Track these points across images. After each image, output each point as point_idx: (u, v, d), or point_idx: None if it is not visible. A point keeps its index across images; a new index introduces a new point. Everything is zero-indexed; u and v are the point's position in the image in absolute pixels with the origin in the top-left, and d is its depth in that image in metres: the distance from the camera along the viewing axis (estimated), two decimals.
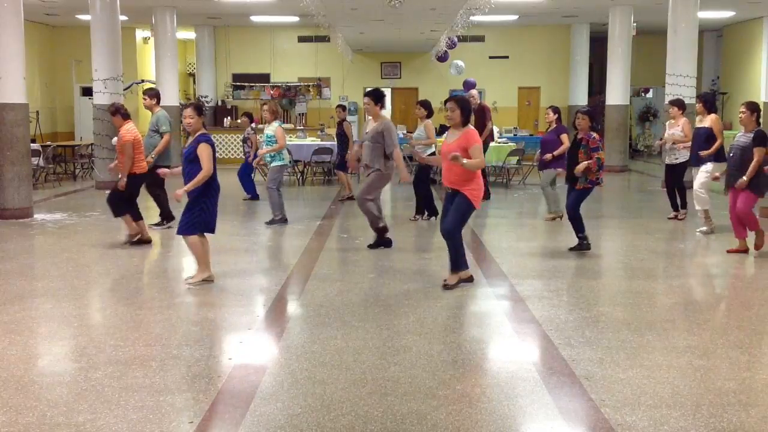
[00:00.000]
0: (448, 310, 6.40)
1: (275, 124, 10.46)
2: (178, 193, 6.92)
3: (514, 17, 21.36)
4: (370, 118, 8.98)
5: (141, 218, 9.12)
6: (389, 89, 25.48)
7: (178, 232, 7.12)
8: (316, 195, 14.42)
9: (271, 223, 10.56)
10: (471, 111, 7.01)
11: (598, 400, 4.39)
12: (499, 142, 16.67)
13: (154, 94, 10.43)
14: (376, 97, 8.79)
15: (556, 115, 10.96)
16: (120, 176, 8.92)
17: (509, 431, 4.04)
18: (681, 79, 14.97)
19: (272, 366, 5.02)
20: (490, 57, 24.45)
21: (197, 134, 7.04)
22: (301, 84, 23.92)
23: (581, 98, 23.11)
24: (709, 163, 9.92)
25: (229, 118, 22.09)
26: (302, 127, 20.63)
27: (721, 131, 10.08)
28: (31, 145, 12.81)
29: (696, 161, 10.06)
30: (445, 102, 7.09)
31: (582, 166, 8.33)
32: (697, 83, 15.68)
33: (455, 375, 4.82)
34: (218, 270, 7.91)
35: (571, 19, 22.00)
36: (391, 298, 6.74)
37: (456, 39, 19.55)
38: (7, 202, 11.31)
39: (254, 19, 21.38)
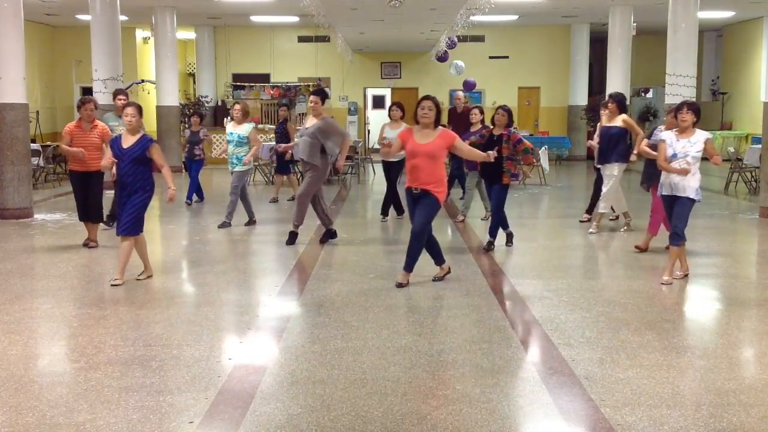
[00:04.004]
0: (448, 310, 6.39)
1: (248, 126, 10.40)
2: (173, 193, 7.20)
3: (514, 17, 21.36)
4: (308, 115, 9.31)
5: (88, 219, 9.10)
6: (389, 89, 25.49)
7: (136, 232, 7.16)
8: None
9: (222, 226, 10.42)
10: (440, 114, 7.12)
11: (598, 400, 4.39)
12: None
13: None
14: (324, 96, 9.23)
15: (482, 116, 10.96)
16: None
17: (509, 431, 4.05)
18: (681, 79, 14.95)
19: (272, 366, 5.02)
20: (490, 57, 24.45)
21: (141, 135, 7.11)
22: (301, 84, 23.92)
23: (581, 98, 23.12)
24: (623, 163, 9.99)
25: (229, 118, 22.10)
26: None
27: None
28: (31, 145, 12.81)
29: (605, 160, 9.93)
30: (421, 100, 7.07)
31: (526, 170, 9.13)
32: (697, 83, 15.66)
33: (455, 375, 4.82)
34: (219, 270, 7.92)
35: (571, 19, 22.00)
36: (391, 298, 6.73)
37: (456, 39, 19.54)
38: (7, 202, 11.31)
39: (254, 19, 21.39)
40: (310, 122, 9.08)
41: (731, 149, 15.89)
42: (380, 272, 7.82)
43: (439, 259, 7.38)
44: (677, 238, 7.14)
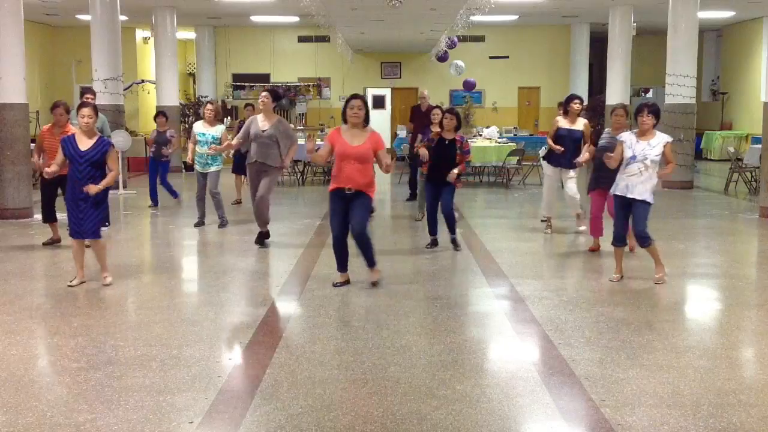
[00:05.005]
0: (448, 310, 6.39)
1: (221, 127, 10.39)
2: (96, 190, 6.90)
3: (514, 17, 21.36)
4: (256, 116, 9.01)
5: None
6: (389, 89, 25.50)
7: (98, 236, 7.12)
8: (316, 195, 14.42)
9: (222, 225, 10.44)
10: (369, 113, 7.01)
11: (598, 400, 4.39)
12: (499, 142, 16.69)
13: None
14: (276, 95, 9.04)
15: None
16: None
17: (509, 431, 4.04)
18: (681, 79, 14.96)
19: (272, 366, 5.01)
20: (490, 57, 24.45)
21: (98, 137, 7.01)
22: (301, 84, 23.93)
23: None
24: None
25: (229, 118, 22.13)
26: (302, 127, 20.64)
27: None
28: (31, 145, 12.79)
29: (572, 165, 9.74)
30: (350, 99, 6.95)
31: (454, 173, 8.55)
32: (697, 83, 15.67)
33: (455, 375, 4.82)
34: (219, 270, 7.92)
35: (571, 19, 22.00)
36: (390, 298, 6.73)
37: (456, 39, 19.55)
38: (7, 202, 11.31)
39: (254, 19, 21.39)
40: (263, 123, 8.85)
41: (731, 149, 15.88)
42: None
43: (344, 266, 7.20)
44: (646, 239, 7.12)
